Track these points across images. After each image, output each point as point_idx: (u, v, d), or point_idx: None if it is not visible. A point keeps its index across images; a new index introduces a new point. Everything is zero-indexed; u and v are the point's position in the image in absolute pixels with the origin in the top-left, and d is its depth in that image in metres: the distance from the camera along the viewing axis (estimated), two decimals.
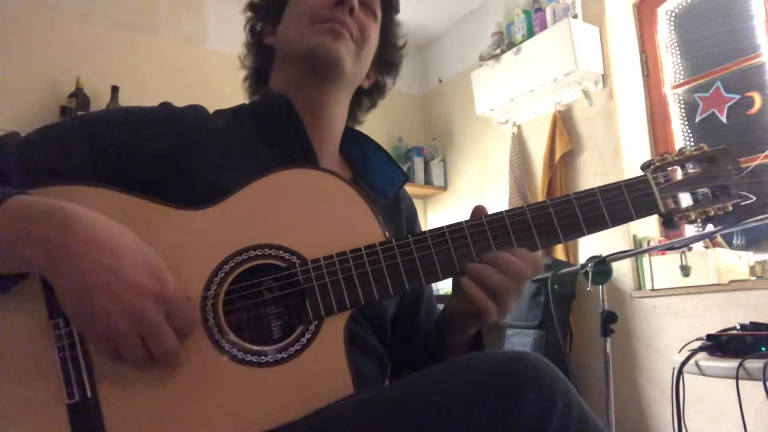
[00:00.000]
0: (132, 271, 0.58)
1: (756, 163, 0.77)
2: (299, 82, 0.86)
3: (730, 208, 0.76)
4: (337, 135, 0.93)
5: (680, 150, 0.78)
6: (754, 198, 0.75)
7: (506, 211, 0.73)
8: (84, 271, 0.56)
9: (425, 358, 0.86)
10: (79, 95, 2.62)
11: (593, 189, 0.75)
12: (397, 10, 0.98)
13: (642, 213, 0.75)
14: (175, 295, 0.60)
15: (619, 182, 0.76)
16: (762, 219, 1.21)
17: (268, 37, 0.92)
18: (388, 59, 0.98)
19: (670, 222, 0.77)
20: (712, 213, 0.76)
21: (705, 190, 0.76)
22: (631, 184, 0.76)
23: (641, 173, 0.78)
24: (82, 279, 0.56)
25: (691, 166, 0.77)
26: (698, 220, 0.77)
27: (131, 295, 0.57)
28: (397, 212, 0.94)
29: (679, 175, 0.77)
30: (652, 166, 0.78)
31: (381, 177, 0.91)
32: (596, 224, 0.74)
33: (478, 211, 0.74)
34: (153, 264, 0.60)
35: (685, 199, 0.76)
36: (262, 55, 0.94)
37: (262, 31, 0.93)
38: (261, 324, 0.69)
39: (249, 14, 0.96)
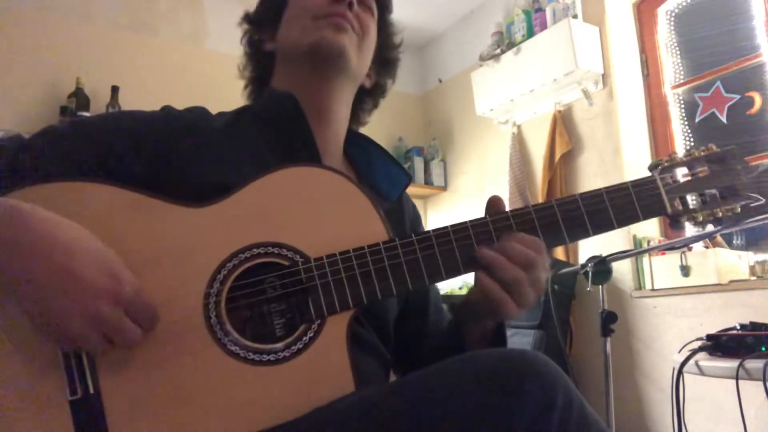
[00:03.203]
0: (87, 271, 0.58)
1: (766, 162, 0.76)
2: (303, 79, 0.86)
3: (739, 210, 0.74)
4: (340, 136, 0.93)
5: (688, 150, 0.77)
6: (764, 200, 0.73)
7: (511, 211, 0.73)
8: (39, 273, 0.56)
9: (441, 355, 0.85)
10: (79, 95, 2.62)
11: (599, 189, 0.74)
12: (390, 11, 0.99)
13: (649, 214, 0.74)
14: (132, 292, 0.60)
15: (625, 183, 0.75)
16: (762, 219, 1.21)
17: (267, 44, 0.92)
18: (386, 57, 0.99)
19: (677, 223, 0.76)
20: (720, 214, 0.75)
21: (713, 191, 0.75)
22: (639, 184, 0.75)
23: (644, 173, 0.77)
24: (38, 281, 0.56)
25: (700, 166, 0.76)
26: (706, 222, 0.76)
27: (86, 296, 0.57)
28: (400, 216, 0.93)
29: (687, 175, 0.76)
30: (659, 167, 0.77)
31: (384, 179, 0.91)
32: (602, 225, 0.73)
33: (495, 201, 0.75)
34: (109, 262, 0.60)
35: (693, 200, 0.75)
36: (262, 63, 0.94)
37: (261, 39, 0.94)
38: (263, 322, 0.69)
39: (245, 27, 0.96)
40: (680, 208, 0.75)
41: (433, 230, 0.72)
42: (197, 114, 0.84)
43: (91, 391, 0.61)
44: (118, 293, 0.59)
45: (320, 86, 0.87)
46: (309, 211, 0.71)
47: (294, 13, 0.88)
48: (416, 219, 1.00)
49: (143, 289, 0.62)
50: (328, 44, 0.83)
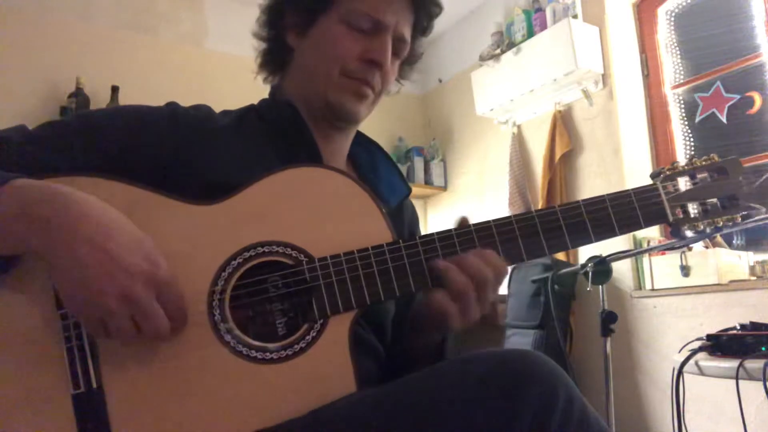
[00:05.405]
0: (125, 252, 0.59)
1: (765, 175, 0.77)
2: (312, 114, 0.87)
3: (739, 219, 0.75)
4: (345, 147, 0.93)
5: (690, 159, 0.78)
6: (765, 210, 0.75)
7: (515, 216, 0.74)
8: (79, 251, 0.57)
9: (388, 365, 0.84)
10: (79, 95, 2.62)
11: (602, 196, 0.75)
12: (426, 35, 0.98)
13: (650, 222, 0.75)
14: (167, 277, 0.61)
15: (628, 190, 0.76)
16: (762, 219, 1.21)
17: (291, 36, 0.88)
18: (404, 74, 0.99)
19: (677, 232, 0.77)
20: (720, 224, 0.76)
21: (714, 200, 0.76)
22: (641, 192, 0.76)
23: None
24: (77, 259, 0.57)
25: (701, 175, 0.77)
26: (706, 230, 0.77)
27: (123, 275, 0.57)
28: (399, 220, 0.94)
29: (688, 184, 0.77)
30: (662, 175, 0.78)
31: (386, 186, 0.92)
32: (604, 231, 0.74)
33: (464, 222, 0.74)
34: (146, 247, 0.61)
35: (694, 209, 0.76)
36: (279, 49, 0.90)
37: (287, 26, 0.87)
38: (266, 321, 0.70)
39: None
40: (681, 216, 0.76)
41: (437, 233, 0.72)
42: (203, 112, 0.84)
43: (94, 385, 0.61)
44: (152, 276, 0.60)
45: (327, 128, 0.88)
46: (313, 211, 0.71)
47: (326, 49, 0.83)
48: (415, 223, 1.00)
49: (176, 278, 0.62)
50: (345, 112, 0.85)
